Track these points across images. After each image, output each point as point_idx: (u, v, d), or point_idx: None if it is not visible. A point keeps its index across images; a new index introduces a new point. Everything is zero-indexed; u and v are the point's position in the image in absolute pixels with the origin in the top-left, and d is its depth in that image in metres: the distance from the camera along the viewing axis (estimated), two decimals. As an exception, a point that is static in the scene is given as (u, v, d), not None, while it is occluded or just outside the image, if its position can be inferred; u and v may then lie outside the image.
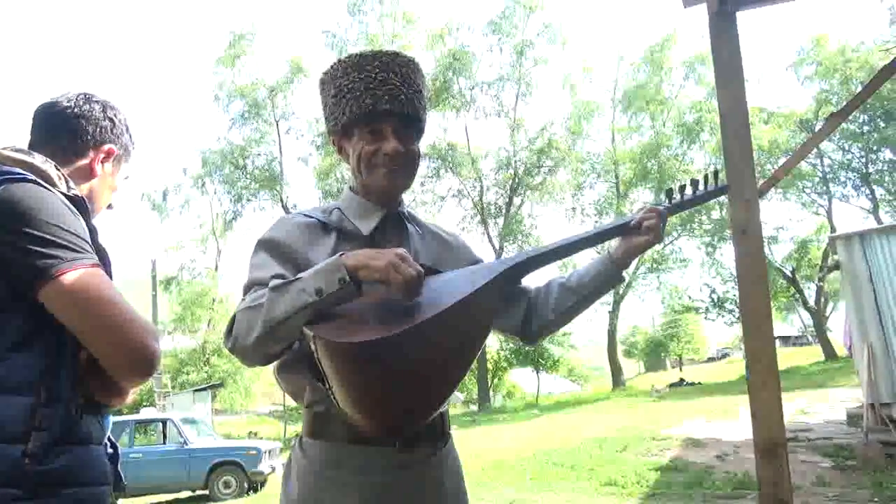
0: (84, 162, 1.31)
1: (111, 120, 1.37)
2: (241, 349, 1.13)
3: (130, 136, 1.43)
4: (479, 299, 1.16)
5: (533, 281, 1.50)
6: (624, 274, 1.41)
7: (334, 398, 1.09)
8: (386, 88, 1.30)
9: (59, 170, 1.21)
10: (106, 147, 1.34)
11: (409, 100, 1.32)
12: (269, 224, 1.36)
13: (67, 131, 1.31)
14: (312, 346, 1.07)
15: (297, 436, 1.34)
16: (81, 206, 1.19)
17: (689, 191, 1.47)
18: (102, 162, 1.34)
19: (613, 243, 1.44)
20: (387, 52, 1.36)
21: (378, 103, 1.30)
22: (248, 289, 1.20)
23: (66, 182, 1.20)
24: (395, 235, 1.37)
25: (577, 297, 1.42)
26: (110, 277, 1.20)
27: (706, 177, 1.48)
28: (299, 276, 1.11)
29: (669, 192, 1.46)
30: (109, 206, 1.43)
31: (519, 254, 1.35)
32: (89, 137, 1.33)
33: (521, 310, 1.45)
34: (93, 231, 1.20)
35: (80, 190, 1.26)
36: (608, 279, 1.40)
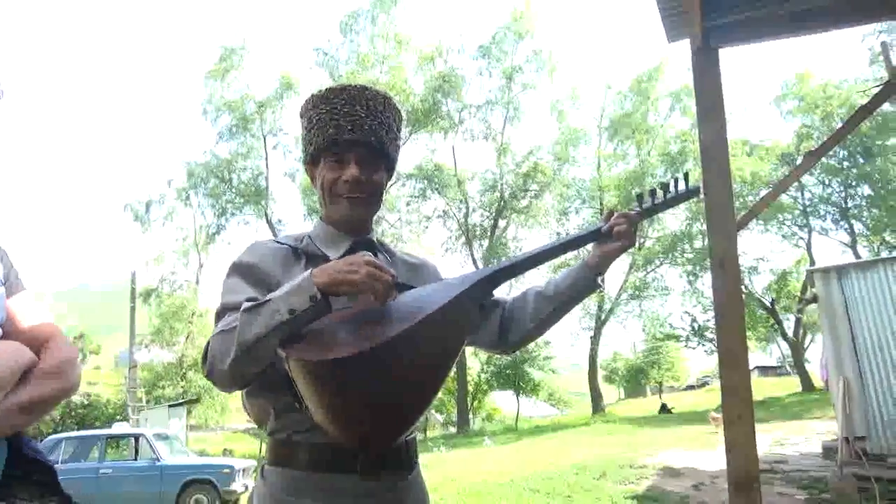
0: None
1: None
2: (219, 374, 1.12)
3: None
4: (454, 309, 1.16)
5: (507, 293, 1.51)
6: (599, 280, 1.41)
7: (310, 416, 1.08)
8: (350, 119, 1.32)
9: None
10: None
11: (372, 130, 1.33)
12: (243, 248, 1.36)
13: None
14: (287, 367, 1.07)
15: (261, 461, 1.32)
16: None
17: (659, 194, 1.46)
18: None
19: (588, 250, 1.44)
20: (355, 86, 1.37)
21: (341, 133, 1.32)
22: (220, 314, 1.19)
23: None
24: None
25: (554, 305, 1.42)
26: None
27: (676, 179, 1.47)
28: (270, 296, 1.10)
29: (640, 197, 1.45)
30: None
31: (493, 265, 1.35)
32: None
33: (496, 321, 1.45)
34: None
35: None
36: (584, 286, 1.41)
